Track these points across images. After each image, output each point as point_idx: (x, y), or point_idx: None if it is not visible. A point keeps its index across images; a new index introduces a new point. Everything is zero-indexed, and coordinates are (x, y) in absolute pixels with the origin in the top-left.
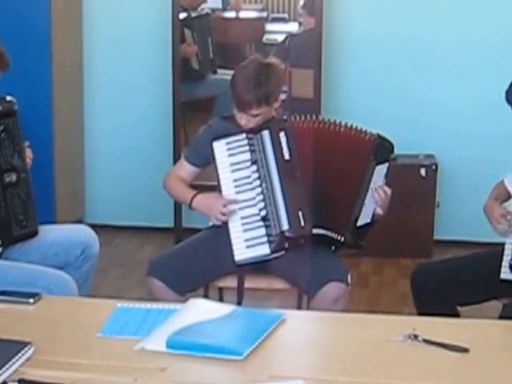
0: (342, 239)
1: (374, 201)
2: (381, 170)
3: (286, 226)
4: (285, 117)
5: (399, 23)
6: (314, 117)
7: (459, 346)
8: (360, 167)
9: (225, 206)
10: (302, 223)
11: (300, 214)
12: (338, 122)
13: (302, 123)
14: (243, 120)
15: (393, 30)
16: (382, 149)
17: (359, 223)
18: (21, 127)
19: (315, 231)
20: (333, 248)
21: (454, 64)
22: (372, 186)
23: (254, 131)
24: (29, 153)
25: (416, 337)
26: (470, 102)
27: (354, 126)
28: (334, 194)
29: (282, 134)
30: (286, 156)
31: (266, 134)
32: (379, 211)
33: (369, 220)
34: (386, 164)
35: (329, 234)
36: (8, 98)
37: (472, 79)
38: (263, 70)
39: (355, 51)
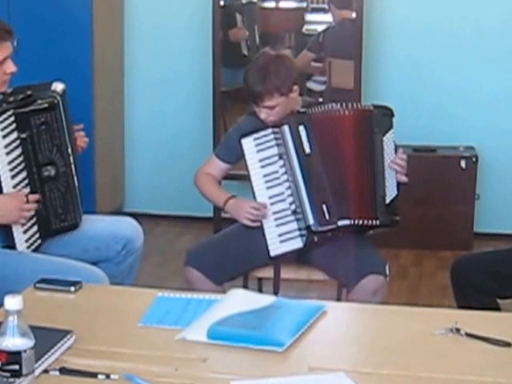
0: (378, 222)
1: (394, 172)
2: (389, 139)
3: (311, 221)
4: (303, 109)
5: (440, 12)
6: (331, 105)
7: (502, 340)
8: (367, 145)
9: (253, 208)
10: (327, 217)
11: (324, 207)
12: (345, 105)
13: (319, 114)
14: (262, 114)
15: (433, 19)
16: (382, 118)
17: (387, 200)
18: (65, 119)
19: (341, 223)
20: (371, 232)
21: (498, 54)
22: (386, 158)
23: (278, 125)
24: (82, 137)
25: (458, 330)
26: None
27: (353, 106)
28: (353, 182)
29: (301, 128)
30: (307, 150)
31: (285, 129)
32: (403, 179)
33: (396, 193)
34: (392, 130)
35: (361, 223)
36: (53, 86)
37: None
38: (273, 62)
39: (395, 41)
